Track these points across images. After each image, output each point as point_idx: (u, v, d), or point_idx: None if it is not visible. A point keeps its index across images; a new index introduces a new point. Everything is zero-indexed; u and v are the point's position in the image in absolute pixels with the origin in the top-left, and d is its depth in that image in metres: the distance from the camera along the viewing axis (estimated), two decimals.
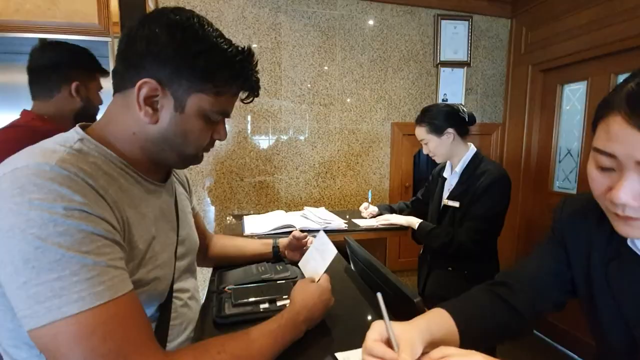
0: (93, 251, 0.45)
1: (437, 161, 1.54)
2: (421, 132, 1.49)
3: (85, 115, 1.21)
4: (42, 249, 0.42)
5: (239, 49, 0.60)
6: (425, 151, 1.53)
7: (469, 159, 1.45)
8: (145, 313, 0.51)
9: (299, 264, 0.96)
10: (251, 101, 0.67)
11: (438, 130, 1.45)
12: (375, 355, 0.47)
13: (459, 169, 1.46)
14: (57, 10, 1.59)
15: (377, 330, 0.50)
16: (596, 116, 0.50)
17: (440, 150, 1.47)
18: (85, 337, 0.42)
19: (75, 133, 0.56)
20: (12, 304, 0.44)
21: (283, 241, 1.09)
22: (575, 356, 2.15)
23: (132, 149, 0.60)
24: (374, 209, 1.84)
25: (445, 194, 1.52)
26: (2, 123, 1.90)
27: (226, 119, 0.67)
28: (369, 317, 0.80)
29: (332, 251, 0.81)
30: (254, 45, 2.17)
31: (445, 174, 1.56)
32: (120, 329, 0.45)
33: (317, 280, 0.78)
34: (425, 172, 2.73)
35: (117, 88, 0.59)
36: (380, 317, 0.50)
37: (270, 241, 1.09)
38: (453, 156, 1.48)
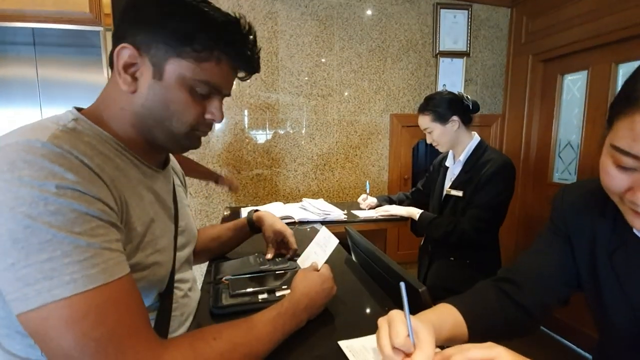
0: (86, 232, 0.42)
1: (441, 150, 1.51)
2: (425, 120, 1.46)
3: None
4: (31, 229, 0.39)
5: (224, 12, 0.57)
6: (429, 140, 1.49)
7: (473, 147, 1.43)
8: (142, 299, 0.49)
9: (298, 261, 0.93)
10: (247, 77, 0.63)
11: (442, 118, 1.42)
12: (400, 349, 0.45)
13: (462, 157, 1.44)
14: None
15: (403, 324, 0.47)
16: (615, 110, 0.47)
17: (444, 139, 1.45)
18: (76, 321, 0.40)
19: (69, 113, 0.54)
20: (0, 287, 0.42)
21: (260, 213, 1.03)
22: (579, 350, 2.15)
23: (125, 127, 0.57)
24: (373, 200, 1.82)
25: (448, 183, 1.49)
26: None
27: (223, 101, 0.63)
28: (371, 306, 0.78)
29: (334, 242, 0.79)
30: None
31: (447, 163, 1.53)
32: (114, 314, 0.43)
33: (318, 269, 0.76)
34: (425, 164, 2.71)
35: (110, 64, 0.57)
36: (401, 307, 0.48)
37: (245, 218, 1.03)
38: (457, 145, 1.46)
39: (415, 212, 1.52)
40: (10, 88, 1.89)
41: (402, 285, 0.48)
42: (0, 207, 0.40)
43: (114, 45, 0.55)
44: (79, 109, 0.57)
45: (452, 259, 1.43)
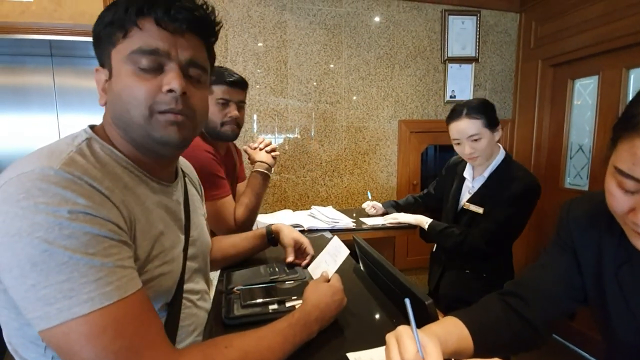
0: (100, 252, 0.45)
1: (475, 163, 1.37)
2: (473, 125, 1.28)
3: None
4: (49, 252, 0.42)
5: None
6: (467, 150, 1.31)
7: (500, 161, 1.33)
8: (155, 310, 0.51)
9: (309, 268, 0.95)
10: (183, 24, 0.54)
11: (493, 125, 1.29)
12: None
13: (487, 173, 1.34)
14: (63, 11, 1.59)
15: (412, 340, 0.48)
16: (617, 132, 0.48)
17: (488, 150, 1.30)
18: (96, 335, 0.43)
19: (84, 133, 0.57)
20: (20, 306, 0.44)
21: (279, 225, 1.08)
22: (589, 356, 2.12)
23: (123, 143, 0.59)
24: (378, 205, 1.82)
25: (465, 195, 1.42)
26: (11, 124, 1.96)
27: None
28: (379, 318, 0.79)
29: (344, 252, 0.80)
30: (259, 44, 2.16)
31: (466, 174, 1.43)
32: (131, 327, 0.45)
33: (329, 278, 0.78)
34: (434, 169, 2.70)
35: None
36: (407, 323, 0.49)
37: (263, 229, 1.08)
38: (489, 158, 1.34)
39: (424, 221, 1.51)
40: (29, 96, 1.96)
41: (407, 301, 0.49)
42: (18, 233, 0.42)
43: None
44: (92, 127, 0.60)
45: (467, 271, 1.38)
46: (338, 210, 1.87)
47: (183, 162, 0.82)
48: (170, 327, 0.62)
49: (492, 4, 2.47)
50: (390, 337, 0.51)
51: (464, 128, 1.29)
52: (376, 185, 2.47)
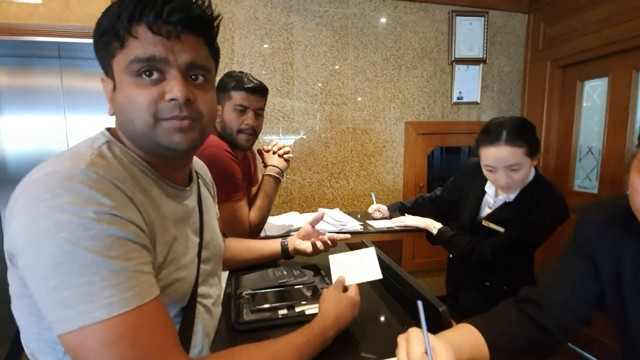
0: (122, 256, 0.44)
1: (506, 191, 1.22)
2: (514, 155, 1.09)
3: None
4: (72, 254, 0.41)
5: None
6: (502, 181, 1.14)
7: (529, 181, 1.19)
8: (171, 318, 0.50)
9: (330, 257, 0.87)
10: (179, 26, 0.52)
11: (534, 151, 1.12)
12: None
13: (514, 195, 1.20)
14: (72, 14, 1.60)
15: (420, 340, 0.48)
16: None
17: (525, 179, 1.16)
18: (113, 343, 0.42)
19: (102, 135, 0.57)
20: (41, 308, 0.44)
21: (292, 239, 1.09)
22: None
23: (137, 149, 0.59)
24: (384, 208, 1.79)
25: (484, 209, 1.31)
26: (20, 125, 1.97)
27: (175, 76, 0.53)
28: (390, 325, 0.78)
29: (377, 274, 0.77)
30: (265, 46, 2.16)
31: (487, 188, 1.29)
32: (148, 335, 0.45)
33: (346, 285, 0.77)
34: (440, 171, 2.68)
35: None
36: (419, 326, 0.49)
37: (279, 240, 1.09)
38: (523, 185, 1.19)
39: (432, 225, 1.48)
40: (37, 97, 1.98)
41: (420, 303, 0.48)
42: (42, 233, 0.42)
43: None
44: (109, 129, 0.59)
45: (487, 284, 1.29)
46: (344, 212, 1.86)
47: (196, 162, 0.81)
48: (184, 332, 0.61)
49: (500, 5, 2.45)
50: (401, 337, 0.51)
51: (503, 157, 1.10)
52: (382, 187, 2.45)
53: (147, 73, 0.52)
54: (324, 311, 0.69)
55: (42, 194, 0.43)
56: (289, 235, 1.12)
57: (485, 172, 1.20)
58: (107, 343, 0.42)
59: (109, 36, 0.52)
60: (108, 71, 0.56)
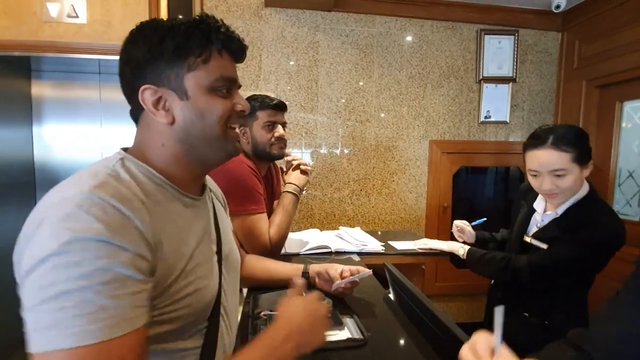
0: (98, 285, 0.43)
1: (553, 201, 1.14)
2: (560, 159, 1.05)
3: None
4: (52, 278, 0.42)
5: (186, 17, 0.60)
6: (546, 186, 1.08)
7: (580, 198, 1.10)
8: (147, 355, 0.48)
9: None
10: (242, 56, 0.65)
11: (584, 160, 1.07)
12: None
13: (562, 209, 1.12)
14: (113, 33, 1.70)
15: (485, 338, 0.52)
16: None
17: (573, 188, 1.08)
18: None
19: (117, 154, 0.58)
20: (25, 319, 0.45)
21: (314, 267, 1.06)
22: None
23: (167, 161, 0.60)
24: (470, 233, 1.50)
25: (532, 228, 1.22)
26: (66, 134, 2.10)
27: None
28: (414, 357, 0.73)
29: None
30: (291, 63, 2.20)
31: (536, 206, 1.22)
32: None
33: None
34: (465, 191, 2.59)
35: (133, 115, 0.63)
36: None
37: (301, 266, 1.07)
38: (571, 196, 1.12)
39: (457, 247, 1.42)
40: (77, 108, 2.11)
41: (499, 309, 0.51)
42: (41, 256, 0.43)
43: (129, 91, 0.60)
44: (125, 149, 0.61)
45: (525, 314, 1.16)
46: (365, 231, 1.82)
47: (207, 179, 0.82)
48: (209, 346, 0.60)
49: (532, 24, 2.39)
50: (465, 344, 0.55)
51: (547, 160, 1.06)
52: (404, 205, 2.39)
53: (226, 89, 0.61)
54: (276, 318, 0.65)
55: (53, 218, 0.45)
56: (310, 256, 1.10)
57: (530, 179, 1.16)
58: None
59: (186, 52, 0.58)
60: (166, 82, 0.58)
